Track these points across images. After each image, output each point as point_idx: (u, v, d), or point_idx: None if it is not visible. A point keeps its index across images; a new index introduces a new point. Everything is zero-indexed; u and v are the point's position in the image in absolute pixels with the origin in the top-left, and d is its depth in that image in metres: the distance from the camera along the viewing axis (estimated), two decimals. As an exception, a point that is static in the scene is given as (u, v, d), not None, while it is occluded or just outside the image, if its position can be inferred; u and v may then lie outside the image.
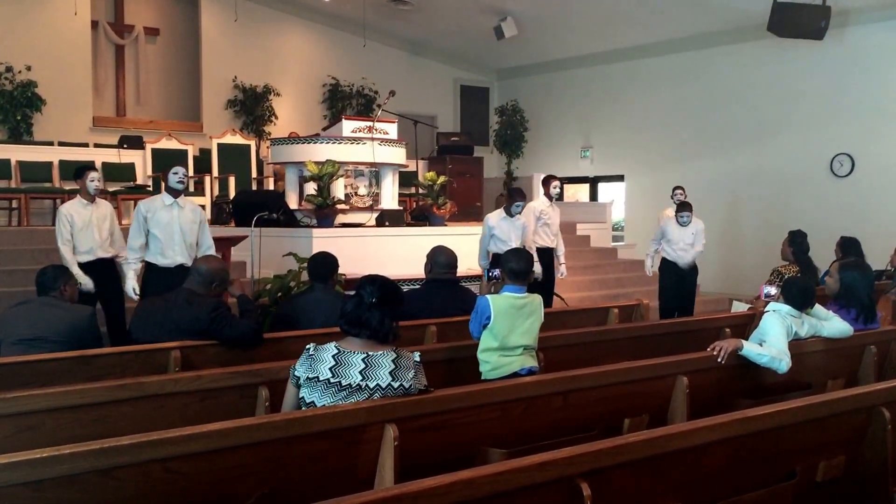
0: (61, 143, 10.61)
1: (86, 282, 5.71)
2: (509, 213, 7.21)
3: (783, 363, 3.72)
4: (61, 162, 9.65)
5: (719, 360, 3.67)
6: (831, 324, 4.13)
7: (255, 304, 4.08)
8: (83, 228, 5.91)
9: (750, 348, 3.74)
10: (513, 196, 7.32)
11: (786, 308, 3.96)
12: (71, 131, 11.38)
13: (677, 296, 8.09)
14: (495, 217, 7.29)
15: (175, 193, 5.69)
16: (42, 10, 11.44)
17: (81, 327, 4.23)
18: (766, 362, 3.72)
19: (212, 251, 5.84)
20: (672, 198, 8.90)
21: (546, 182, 7.87)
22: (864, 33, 10.49)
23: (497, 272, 3.95)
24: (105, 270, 6.03)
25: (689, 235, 8.05)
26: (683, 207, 8.15)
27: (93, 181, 5.98)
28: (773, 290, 4.09)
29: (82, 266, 5.92)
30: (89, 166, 6.33)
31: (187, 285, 4.15)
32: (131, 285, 5.67)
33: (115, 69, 12.66)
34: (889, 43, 10.34)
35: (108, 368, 3.68)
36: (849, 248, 6.36)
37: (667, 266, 8.17)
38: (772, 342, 3.80)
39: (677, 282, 8.11)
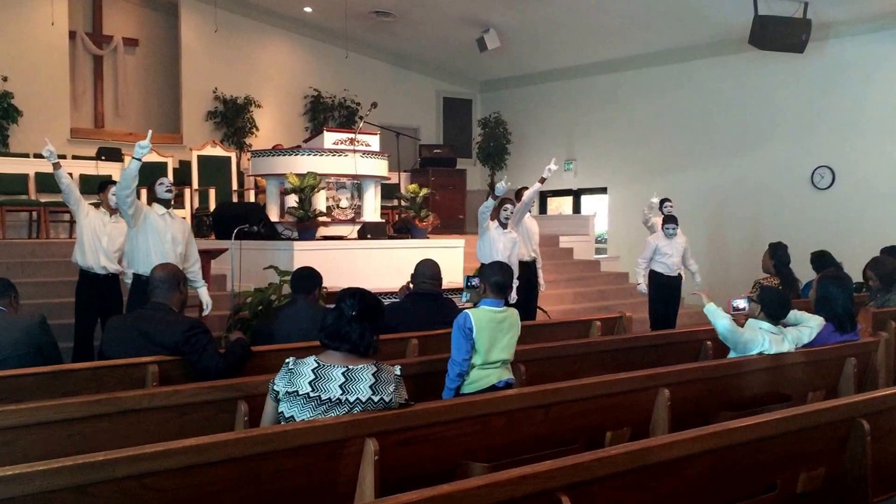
0: (38, 155, 10.42)
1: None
2: (501, 224, 7.24)
3: (730, 341, 4.01)
4: (37, 174, 9.55)
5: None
6: (807, 324, 4.19)
7: (242, 353, 4.00)
8: (98, 236, 5.97)
9: (716, 309, 4.04)
10: (500, 202, 7.37)
11: (766, 325, 4.01)
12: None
13: (667, 306, 8.20)
14: (491, 224, 7.28)
15: (166, 204, 5.70)
16: (18, 20, 11.34)
17: (34, 334, 4.13)
18: (722, 327, 4.01)
19: (198, 265, 5.85)
20: (661, 209, 8.97)
21: (517, 193, 8.00)
22: (844, 46, 10.64)
23: (476, 281, 3.92)
24: (109, 285, 6.05)
25: (679, 247, 8.18)
26: (670, 220, 8.32)
27: (113, 195, 6.01)
28: (741, 304, 4.14)
29: (89, 276, 5.97)
30: (111, 181, 6.37)
31: (158, 299, 4.07)
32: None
33: (94, 80, 12.59)
34: (869, 56, 10.48)
35: (84, 383, 3.62)
36: (820, 262, 6.36)
37: (655, 278, 8.24)
38: (743, 329, 4.03)
39: (667, 292, 8.21)
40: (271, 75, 13.54)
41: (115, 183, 6.22)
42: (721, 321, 4.01)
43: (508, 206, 7.32)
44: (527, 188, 7.98)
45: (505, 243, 7.20)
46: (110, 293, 6.03)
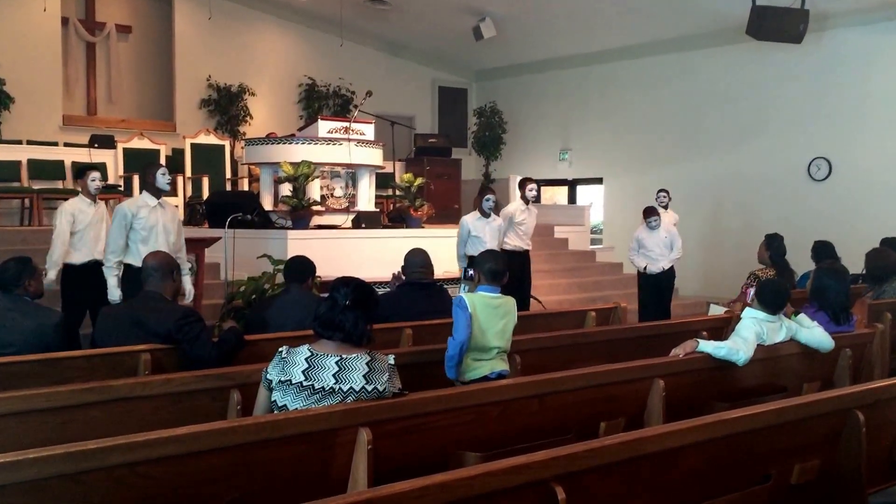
0: (30, 142, 10.42)
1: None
2: (483, 213, 7.23)
3: (741, 353, 3.74)
4: (30, 161, 9.48)
5: (681, 356, 3.74)
6: (811, 332, 4.13)
7: (235, 341, 3.97)
8: (85, 229, 5.90)
9: (705, 344, 3.80)
10: (481, 192, 7.35)
11: (762, 315, 4.00)
12: (40, 130, 11.18)
13: (657, 301, 8.15)
14: (471, 218, 7.29)
15: (156, 193, 5.62)
16: (10, 6, 11.23)
17: (46, 334, 4.08)
18: (724, 354, 3.75)
19: (183, 253, 5.81)
20: (656, 200, 8.93)
21: (522, 185, 7.90)
22: (842, 37, 10.61)
23: (472, 272, 3.94)
24: (98, 274, 5.97)
25: (664, 239, 8.10)
26: (650, 213, 8.13)
27: (94, 181, 6.00)
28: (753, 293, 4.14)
29: (76, 268, 5.92)
30: (90, 166, 6.29)
31: (151, 288, 4.03)
32: (118, 293, 5.57)
33: (86, 67, 12.47)
34: (866, 47, 10.47)
35: (76, 371, 3.60)
36: (821, 252, 6.40)
37: (644, 272, 8.20)
38: (737, 334, 3.88)
39: (655, 287, 8.16)
40: (265, 63, 13.45)
41: (95, 168, 6.17)
42: (720, 351, 3.77)
43: (490, 196, 7.29)
44: (530, 179, 7.92)
45: (490, 232, 7.20)
46: (98, 282, 5.97)
